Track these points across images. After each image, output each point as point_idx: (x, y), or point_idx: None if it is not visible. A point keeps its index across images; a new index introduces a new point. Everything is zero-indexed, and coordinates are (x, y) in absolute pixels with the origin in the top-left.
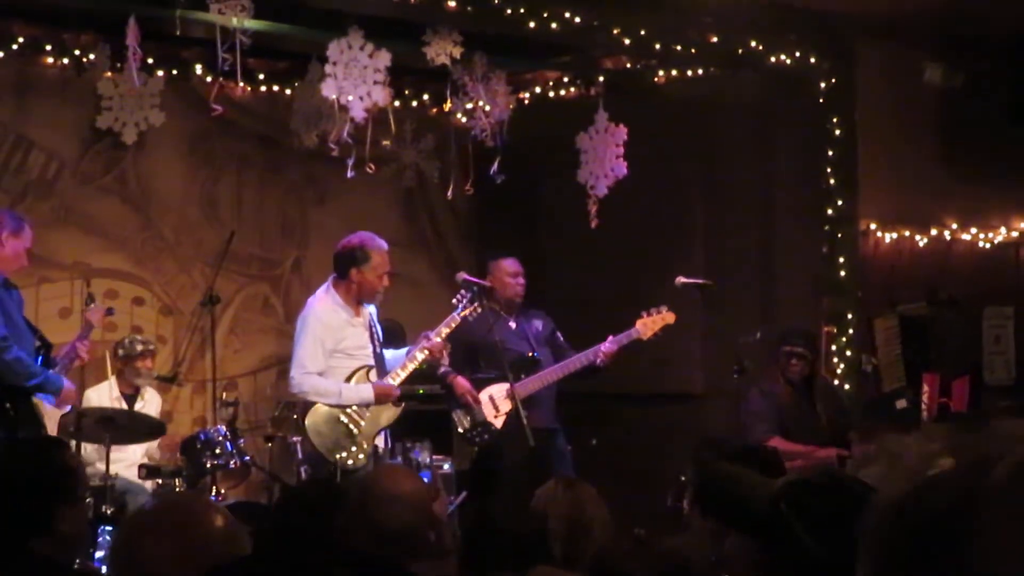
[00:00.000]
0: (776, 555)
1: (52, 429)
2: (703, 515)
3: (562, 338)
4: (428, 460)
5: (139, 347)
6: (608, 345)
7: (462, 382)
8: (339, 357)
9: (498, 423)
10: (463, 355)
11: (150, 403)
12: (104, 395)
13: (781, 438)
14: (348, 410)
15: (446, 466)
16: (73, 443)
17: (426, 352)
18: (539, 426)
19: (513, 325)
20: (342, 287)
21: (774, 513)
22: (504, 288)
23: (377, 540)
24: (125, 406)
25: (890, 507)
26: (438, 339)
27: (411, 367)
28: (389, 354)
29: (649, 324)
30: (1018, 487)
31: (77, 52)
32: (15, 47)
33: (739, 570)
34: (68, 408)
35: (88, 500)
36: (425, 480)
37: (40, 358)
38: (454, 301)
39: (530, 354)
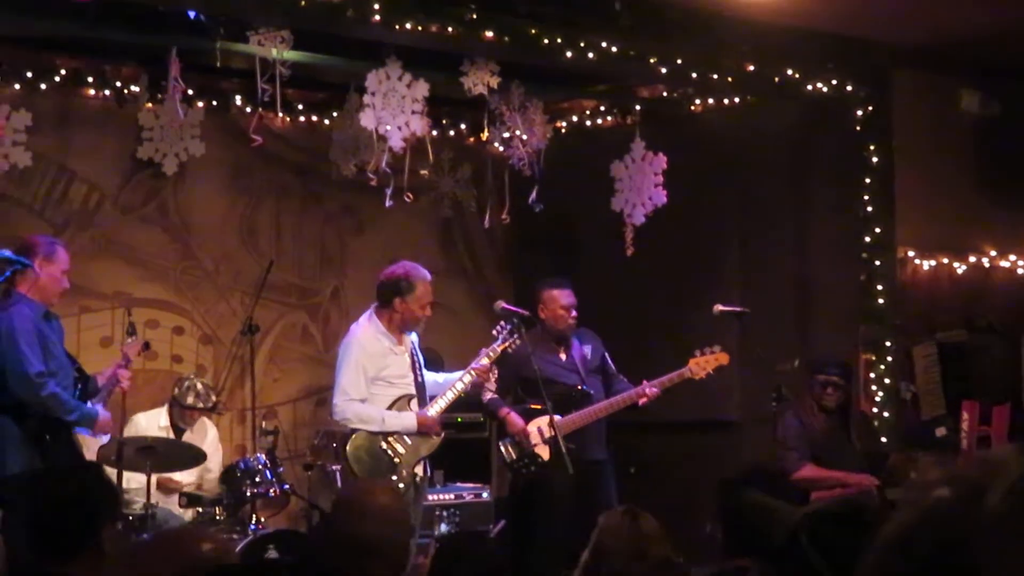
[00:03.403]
0: None
1: (91, 458)
2: (727, 542)
3: (612, 364)
4: None
5: (189, 399)
6: (653, 390)
7: (515, 420)
8: (380, 385)
9: (545, 454)
10: (516, 384)
11: (199, 433)
12: (153, 422)
13: (813, 465)
14: (389, 439)
15: (484, 494)
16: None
17: (471, 377)
18: (589, 457)
19: (563, 357)
20: (385, 316)
21: (794, 542)
22: (556, 320)
23: (350, 552)
24: (173, 435)
25: (887, 543)
26: (484, 361)
27: (451, 396)
28: (431, 376)
29: (703, 364)
30: (1013, 510)
31: (118, 84)
32: (57, 79)
33: None
34: (107, 438)
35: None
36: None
37: (78, 389)
38: (494, 332)
39: (579, 387)
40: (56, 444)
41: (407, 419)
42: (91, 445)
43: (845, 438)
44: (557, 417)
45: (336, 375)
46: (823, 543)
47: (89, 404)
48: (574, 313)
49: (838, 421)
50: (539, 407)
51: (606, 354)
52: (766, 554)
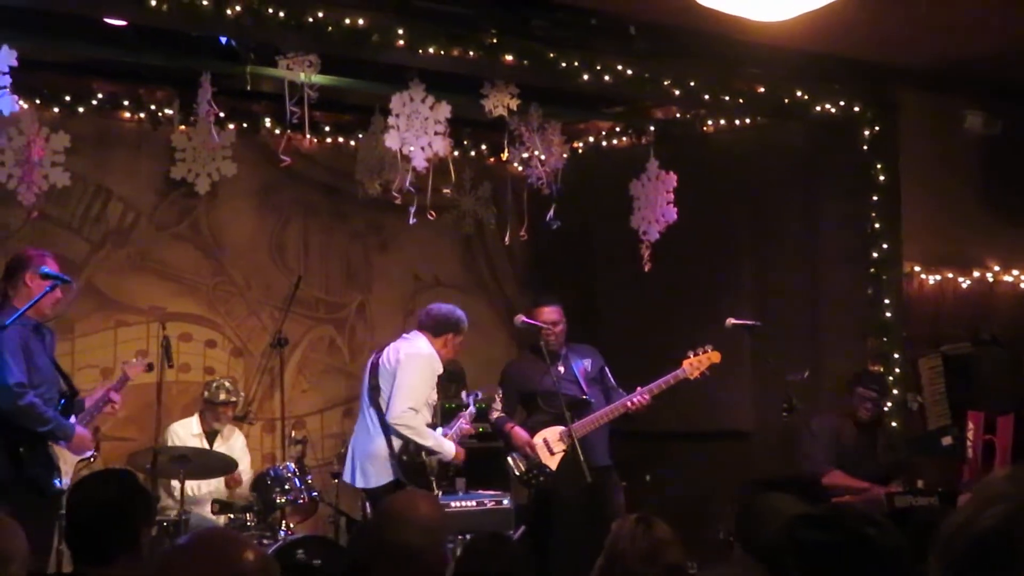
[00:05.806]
0: None
1: (68, 473)
2: (738, 541)
3: (611, 376)
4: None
5: (222, 395)
6: (642, 398)
7: (520, 433)
8: (426, 408)
9: (553, 464)
10: (518, 400)
11: (232, 441)
12: (187, 431)
13: (841, 472)
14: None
15: (505, 501)
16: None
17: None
18: (595, 464)
19: (562, 369)
20: (437, 345)
21: (780, 543)
22: (541, 335)
23: (390, 559)
24: (206, 443)
25: (955, 524)
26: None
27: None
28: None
29: (696, 364)
30: None
31: (153, 107)
32: (95, 103)
33: None
34: (88, 454)
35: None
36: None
37: (62, 403)
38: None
39: (582, 397)
40: (31, 454)
41: (447, 447)
42: (69, 459)
43: (871, 449)
44: (563, 427)
45: (402, 380)
46: (803, 543)
47: (72, 419)
48: (557, 328)
49: (868, 432)
50: (542, 420)
51: (605, 367)
52: (760, 552)
